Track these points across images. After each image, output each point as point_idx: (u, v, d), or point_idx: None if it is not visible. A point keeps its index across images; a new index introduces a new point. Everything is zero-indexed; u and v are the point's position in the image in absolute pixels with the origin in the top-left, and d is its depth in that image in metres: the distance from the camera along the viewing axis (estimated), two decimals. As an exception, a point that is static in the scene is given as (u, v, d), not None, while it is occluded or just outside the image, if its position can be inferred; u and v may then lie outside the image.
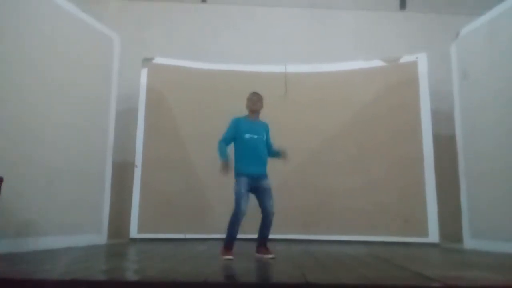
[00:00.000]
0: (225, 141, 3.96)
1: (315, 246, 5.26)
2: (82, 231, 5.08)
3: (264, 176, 3.94)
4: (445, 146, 6.25)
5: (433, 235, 5.78)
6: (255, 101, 4.04)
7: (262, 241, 3.89)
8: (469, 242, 5.29)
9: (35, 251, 4.12)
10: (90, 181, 5.33)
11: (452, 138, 5.85)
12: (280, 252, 4.44)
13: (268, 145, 4.09)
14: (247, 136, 3.91)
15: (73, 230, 4.89)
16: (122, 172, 6.39)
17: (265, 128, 4.09)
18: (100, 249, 4.76)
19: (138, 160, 6.21)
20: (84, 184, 5.18)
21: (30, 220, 4.29)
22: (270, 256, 3.76)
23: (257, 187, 3.87)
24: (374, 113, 6.39)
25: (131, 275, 2.86)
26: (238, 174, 3.87)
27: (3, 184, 3.58)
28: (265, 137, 4.03)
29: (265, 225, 3.88)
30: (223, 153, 3.86)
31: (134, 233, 5.99)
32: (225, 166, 3.78)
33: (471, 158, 5.38)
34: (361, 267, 3.22)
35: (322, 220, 6.18)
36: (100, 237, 5.42)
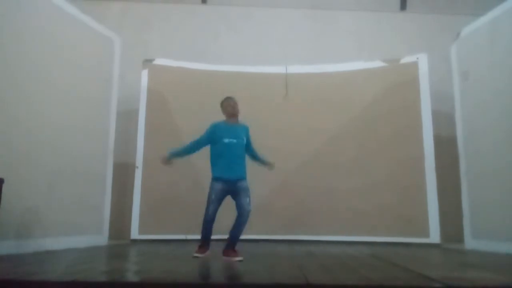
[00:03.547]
0: (197, 144, 3.98)
1: (316, 247, 5.26)
2: (83, 232, 5.08)
3: (240, 179, 3.87)
4: (445, 146, 6.25)
5: (434, 236, 5.77)
6: (233, 106, 4.01)
7: (232, 243, 3.75)
8: (470, 243, 5.28)
9: (36, 252, 4.12)
10: (91, 182, 5.33)
11: (452, 139, 5.85)
12: (281, 253, 4.44)
13: (250, 148, 4.05)
14: (226, 140, 3.85)
15: (74, 231, 4.89)
16: (123, 173, 6.40)
17: (244, 131, 4.02)
18: (101, 250, 4.76)
19: (139, 161, 6.21)
20: (85, 185, 5.19)
21: (31, 221, 4.29)
22: (238, 258, 3.60)
23: (233, 190, 3.84)
24: (374, 113, 6.39)
25: (132, 276, 2.86)
26: (214, 179, 3.86)
27: (4, 186, 3.59)
28: (245, 141, 3.96)
29: (238, 224, 3.75)
30: (177, 153, 4.00)
31: (135, 234, 5.99)
32: (166, 161, 3.94)
33: (472, 159, 5.38)
34: (362, 268, 3.21)
35: (323, 220, 6.17)
36: (101, 238, 5.42)
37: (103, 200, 5.56)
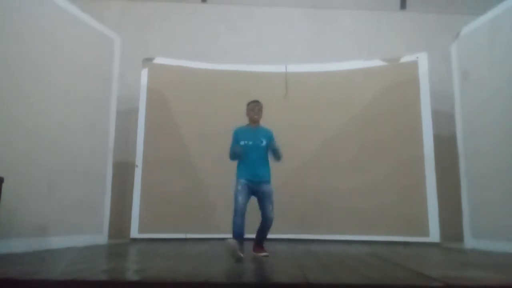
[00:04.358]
0: (232, 150, 4.00)
1: (316, 246, 5.26)
2: (83, 231, 5.08)
3: (263, 181, 3.92)
4: (445, 145, 6.25)
5: (434, 235, 5.78)
6: (256, 112, 4.03)
7: (259, 242, 3.96)
8: (470, 242, 5.29)
9: (35, 251, 4.12)
10: (91, 182, 5.33)
11: (452, 138, 5.85)
12: (281, 252, 4.44)
13: (270, 150, 4.03)
14: (241, 143, 3.93)
15: (73, 230, 4.89)
16: (122, 172, 6.40)
17: (266, 134, 4.03)
18: (101, 249, 4.76)
19: (139, 160, 6.22)
20: (85, 184, 5.19)
21: (30, 220, 4.29)
22: (264, 254, 3.81)
23: (257, 191, 3.89)
24: (374, 113, 6.40)
25: (132, 275, 2.86)
26: (237, 178, 3.92)
27: (4, 185, 3.59)
28: (264, 143, 3.97)
29: (263, 229, 3.93)
30: (235, 150, 3.91)
31: (134, 233, 6.00)
32: (240, 149, 3.87)
33: (472, 158, 5.38)
34: (362, 267, 3.21)
35: (323, 220, 6.18)
36: (100, 237, 5.42)
37: (103, 199, 5.56)
